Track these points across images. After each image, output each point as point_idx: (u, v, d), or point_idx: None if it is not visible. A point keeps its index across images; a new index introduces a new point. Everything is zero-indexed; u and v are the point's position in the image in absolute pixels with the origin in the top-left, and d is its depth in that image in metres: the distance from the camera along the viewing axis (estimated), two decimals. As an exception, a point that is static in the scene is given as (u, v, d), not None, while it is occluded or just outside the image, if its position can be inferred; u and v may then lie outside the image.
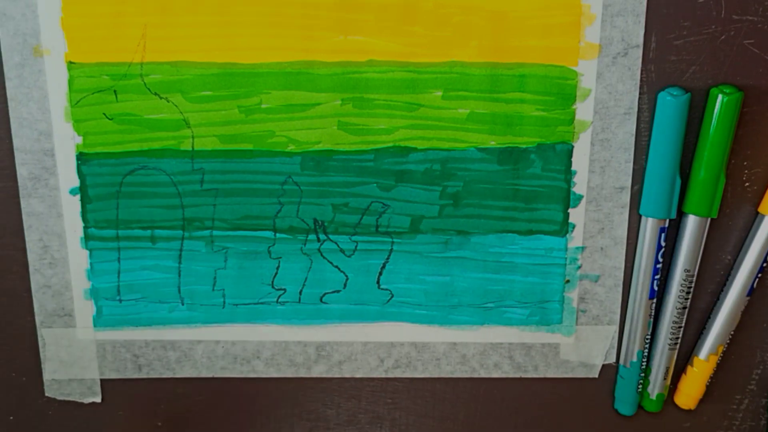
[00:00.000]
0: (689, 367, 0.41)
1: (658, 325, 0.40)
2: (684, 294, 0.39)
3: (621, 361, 0.41)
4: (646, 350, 0.41)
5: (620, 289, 0.40)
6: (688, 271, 0.39)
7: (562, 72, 0.37)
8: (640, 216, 0.39)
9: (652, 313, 0.40)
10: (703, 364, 0.41)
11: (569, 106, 0.37)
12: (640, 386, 0.41)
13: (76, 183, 0.38)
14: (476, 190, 0.39)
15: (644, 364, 0.41)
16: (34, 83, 0.37)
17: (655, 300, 0.40)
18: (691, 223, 0.38)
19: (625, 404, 0.42)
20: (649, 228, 0.38)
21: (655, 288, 0.39)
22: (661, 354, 0.41)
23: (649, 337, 0.40)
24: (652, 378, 0.41)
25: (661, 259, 0.39)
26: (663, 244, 0.39)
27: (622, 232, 0.39)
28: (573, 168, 0.38)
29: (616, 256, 0.40)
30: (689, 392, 0.41)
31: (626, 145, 0.38)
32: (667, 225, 0.38)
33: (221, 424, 0.43)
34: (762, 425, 0.43)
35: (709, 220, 0.38)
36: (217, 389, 0.42)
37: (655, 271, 0.39)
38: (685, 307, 0.40)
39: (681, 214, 0.39)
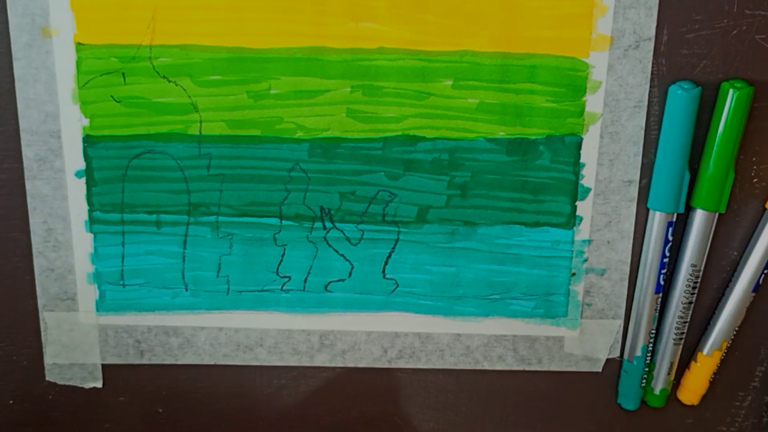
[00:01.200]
0: (693, 363, 0.41)
1: (664, 320, 0.40)
2: (690, 289, 0.39)
3: (625, 356, 0.41)
4: (651, 345, 0.41)
5: (626, 284, 0.40)
6: (695, 266, 0.39)
7: (573, 63, 0.37)
8: (648, 210, 0.39)
9: (658, 308, 0.40)
10: (707, 359, 0.41)
11: (579, 97, 0.37)
12: (644, 381, 0.41)
13: (82, 165, 0.38)
14: (484, 180, 0.38)
15: (648, 359, 0.41)
16: (41, 64, 0.37)
17: (660, 294, 0.40)
18: (699, 217, 0.38)
19: (628, 399, 0.41)
20: (656, 222, 0.38)
21: (661, 282, 0.39)
22: (666, 349, 0.40)
23: (653, 332, 0.40)
24: (655, 373, 0.41)
25: (668, 254, 0.39)
26: (670, 238, 0.38)
27: (629, 225, 0.39)
28: (582, 160, 0.38)
29: (622, 250, 0.39)
30: (693, 388, 0.41)
31: (635, 138, 0.38)
32: (674, 219, 0.38)
33: (223, 411, 0.42)
34: (765, 422, 0.43)
35: (717, 215, 0.38)
36: (219, 376, 0.42)
37: (662, 266, 0.39)
38: (690, 302, 0.40)
39: (689, 209, 0.39)
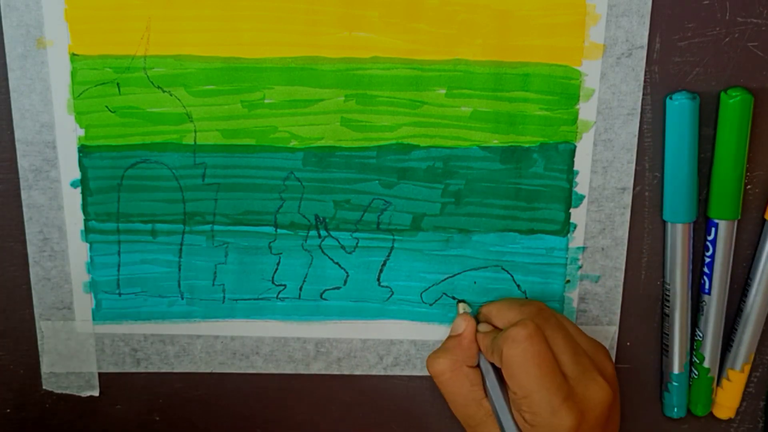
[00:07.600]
0: (725, 380, 0.41)
1: (707, 327, 0.40)
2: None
3: (670, 368, 0.41)
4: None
5: (620, 290, 0.40)
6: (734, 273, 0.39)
7: (566, 72, 0.37)
8: (665, 223, 0.39)
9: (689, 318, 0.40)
10: (739, 375, 0.41)
11: (572, 105, 0.37)
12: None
13: (78, 175, 0.38)
14: (478, 188, 0.39)
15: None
16: (36, 75, 0.37)
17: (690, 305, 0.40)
18: (723, 227, 0.38)
19: (674, 408, 0.41)
20: (679, 234, 0.38)
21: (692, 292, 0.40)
22: (721, 358, 0.41)
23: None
24: (714, 384, 0.41)
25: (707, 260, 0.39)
26: (694, 248, 0.39)
27: (623, 232, 0.39)
28: (575, 168, 0.38)
29: (616, 257, 0.40)
30: (729, 404, 0.41)
31: (629, 145, 0.38)
32: (692, 229, 0.39)
33: (219, 419, 0.42)
34: (760, 428, 0.43)
35: (736, 222, 0.38)
36: (215, 384, 0.42)
37: (692, 275, 0.39)
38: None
39: (707, 220, 0.39)
